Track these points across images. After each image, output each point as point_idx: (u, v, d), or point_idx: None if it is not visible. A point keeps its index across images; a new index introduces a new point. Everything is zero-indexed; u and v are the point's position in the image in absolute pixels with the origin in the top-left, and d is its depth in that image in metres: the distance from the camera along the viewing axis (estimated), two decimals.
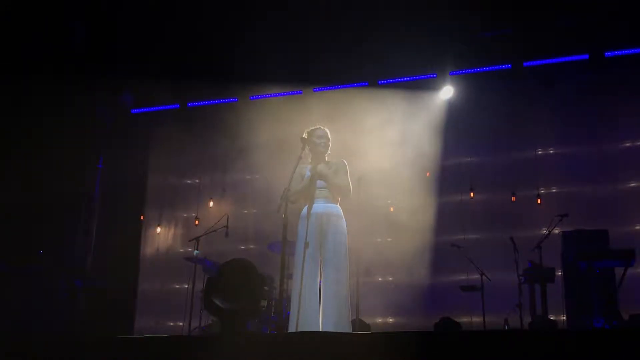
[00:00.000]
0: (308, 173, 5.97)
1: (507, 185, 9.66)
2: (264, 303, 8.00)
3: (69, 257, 10.02)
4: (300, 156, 5.87)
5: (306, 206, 5.86)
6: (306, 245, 5.65)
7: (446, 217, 9.65)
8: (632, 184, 9.25)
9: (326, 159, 6.12)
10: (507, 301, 8.18)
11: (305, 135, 6.05)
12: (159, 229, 11.44)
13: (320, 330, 5.40)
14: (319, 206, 5.83)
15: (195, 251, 8.69)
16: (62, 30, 9.31)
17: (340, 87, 10.02)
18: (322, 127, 6.18)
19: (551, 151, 9.92)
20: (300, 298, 5.46)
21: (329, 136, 6.17)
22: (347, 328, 5.55)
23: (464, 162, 10.11)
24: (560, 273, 8.17)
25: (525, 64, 9.33)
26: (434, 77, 9.75)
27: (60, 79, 8.85)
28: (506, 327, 8.15)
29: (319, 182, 5.90)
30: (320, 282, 5.68)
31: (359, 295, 8.35)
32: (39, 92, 8.85)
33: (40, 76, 8.69)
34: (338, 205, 5.95)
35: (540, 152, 9.93)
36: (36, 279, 8.86)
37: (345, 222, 5.91)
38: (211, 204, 11.03)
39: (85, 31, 9.50)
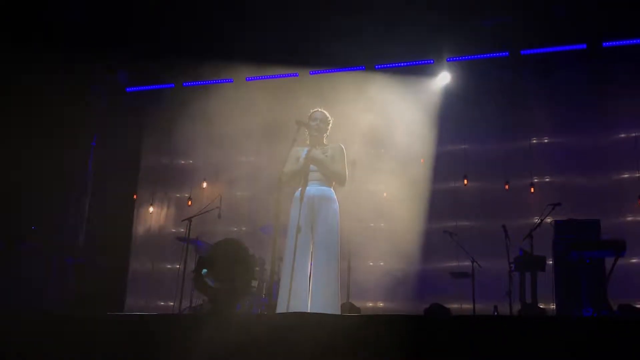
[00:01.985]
0: (303, 155, 5.94)
1: (501, 174, 9.69)
2: (254, 284, 8.01)
3: (61, 234, 10.00)
4: (294, 139, 5.83)
5: (299, 189, 5.85)
6: (298, 229, 5.65)
7: (439, 204, 9.67)
8: (625, 175, 9.27)
9: (324, 142, 6.10)
10: (497, 289, 8.23)
11: (308, 119, 6.04)
12: (151, 209, 11.42)
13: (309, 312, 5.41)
14: (312, 189, 5.80)
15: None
16: (59, 7, 9.23)
17: (337, 71, 9.99)
18: (320, 110, 6.13)
19: (546, 140, 9.93)
20: (290, 280, 5.47)
21: (328, 119, 6.12)
22: (335, 311, 5.56)
23: (458, 149, 10.12)
24: (551, 262, 8.20)
25: (522, 52, 9.34)
26: (431, 63, 9.76)
27: (56, 56, 8.79)
28: (495, 314, 8.19)
29: (313, 165, 5.88)
30: (310, 264, 5.69)
31: (350, 279, 8.37)
32: (35, 69, 8.79)
33: (36, 53, 8.62)
34: (332, 189, 5.92)
35: (534, 141, 9.94)
36: (28, 256, 8.86)
37: (337, 205, 5.89)
38: (205, 184, 11.01)
39: (82, 8, 9.42)
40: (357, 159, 8.02)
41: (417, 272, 9.48)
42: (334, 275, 5.62)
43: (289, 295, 5.43)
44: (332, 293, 5.57)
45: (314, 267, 5.64)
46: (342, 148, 6.02)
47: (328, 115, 6.14)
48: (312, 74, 10.07)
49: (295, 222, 5.69)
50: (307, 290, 5.56)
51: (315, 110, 6.13)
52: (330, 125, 6.15)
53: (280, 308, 5.50)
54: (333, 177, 5.91)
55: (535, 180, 9.64)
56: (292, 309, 5.34)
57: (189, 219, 8.89)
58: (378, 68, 9.82)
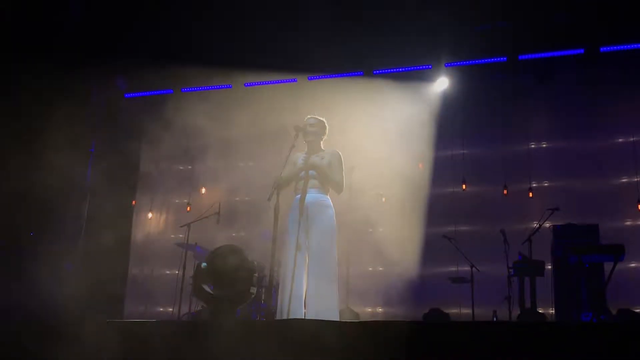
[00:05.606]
0: (300, 161, 5.94)
1: (499, 178, 9.68)
2: (253, 290, 7.99)
3: (60, 240, 9.98)
4: (293, 144, 5.83)
5: (296, 196, 5.84)
6: (293, 235, 5.64)
7: (438, 209, 9.66)
8: (624, 180, 9.28)
9: (322, 148, 6.08)
10: (496, 294, 8.21)
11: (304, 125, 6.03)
12: (150, 215, 11.41)
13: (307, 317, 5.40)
14: (308, 196, 5.78)
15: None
16: (58, 13, 9.23)
17: (335, 77, 9.99)
18: (314, 116, 6.11)
19: (544, 145, 9.94)
20: (287, 287, 5.47)
21: (324, 125, 6.11)
22: (334, 316, 5.52)
23: (456, 154, 10.12)
24: (550, 267, 8.20)
25: (520, 57, 9.33)
26: (429, 68, 9.75)
27: (54, 62, 8.78)
28: (495, 319, 8.19)
29: (310, 172, 5.86)
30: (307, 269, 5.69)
31: (349, 284, 8.37)
32: (33, 75, 8.78)
33: (34, 59, 8.62)
34: (327, 196, 5.91)
35: (533, 146, 9.95)
36: (26, 262, 8.83)
37: (333, 211, 5.86)
38: (203, 190, 11.00)
39: (80, 14, 9.43)
40: (355, 164, 8.05)
41: (416, 277, 9.44)
42: (327, 281, 5.57)
43: (289, 301, 5.43)
44: (326, 299, 5.52)
45: (310, 274, 5.61)
46: (340, 155, 6.00)
47: (324, 120, 6.13)
48: (311, 79, 10.07)
49: (290, 228, 5.71)
50: (302, 297, 5.55)
51: (309, 116, 6.12)
52: (327, 130, 6.14)
53: (280, 314, 5.50)
54: (330, 185, 5.90)
55: (534, 184, 9.64)
56: (291, 316, 5.34)
57: (188, 225, 8.89)
58: (376, 73, 9.81)
